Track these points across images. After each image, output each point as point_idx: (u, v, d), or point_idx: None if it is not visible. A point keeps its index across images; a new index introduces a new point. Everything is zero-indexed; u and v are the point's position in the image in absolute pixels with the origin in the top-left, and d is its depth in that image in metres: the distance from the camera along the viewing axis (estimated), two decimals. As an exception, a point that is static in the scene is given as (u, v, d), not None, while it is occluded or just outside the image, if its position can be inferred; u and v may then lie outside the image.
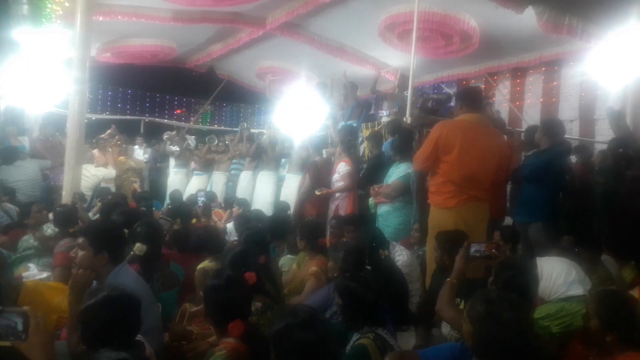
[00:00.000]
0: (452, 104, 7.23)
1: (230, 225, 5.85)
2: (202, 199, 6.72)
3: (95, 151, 7.87)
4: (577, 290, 2.86)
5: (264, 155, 7.75)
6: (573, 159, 6.05)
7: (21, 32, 7.02)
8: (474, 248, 2.90)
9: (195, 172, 8.85)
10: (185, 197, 7.70)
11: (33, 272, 3.79)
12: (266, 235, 3.92)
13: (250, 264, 3.04)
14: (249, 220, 4.85)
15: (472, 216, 3.69)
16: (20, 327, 1.76)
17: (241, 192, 8.00)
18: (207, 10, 7.63)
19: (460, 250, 2.90)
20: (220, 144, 9.22)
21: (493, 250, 2.92)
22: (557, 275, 2.93)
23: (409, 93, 6.15)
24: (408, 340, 3.41)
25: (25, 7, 6.90)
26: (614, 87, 5.97)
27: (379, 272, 3.40)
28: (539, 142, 4.67)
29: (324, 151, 6.39)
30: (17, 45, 7.09)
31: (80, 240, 2.76)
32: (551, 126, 4.68)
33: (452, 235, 3.39)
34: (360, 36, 8.28)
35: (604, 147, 6.51)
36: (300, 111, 7.42)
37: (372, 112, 8.44)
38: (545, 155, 4.51)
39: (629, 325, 2.28)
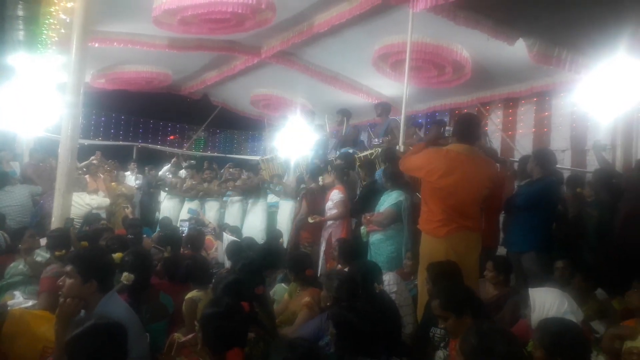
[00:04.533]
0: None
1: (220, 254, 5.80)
2: (185, 228, 6.61)
3: (87, 177, 7.83)
4: (570, 322, 2.84)
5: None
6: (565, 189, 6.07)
7: (17, 58, 7.04)
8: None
9: (186, 198, 8.83)
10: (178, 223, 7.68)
11: (18, 301, 3.72)
12: (262, 265, 3.87)
13: (243, 294, 3.00)
14: (241, 249, 4.80)
15: (462, 246, 3.66)
16: None
17: (231, 219, 7.98)
18: (202, 39, 7.71)
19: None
20: (208, 171, 9.26)
21: None
22: (550, 307, 2.91)
23: (401, 122, 6.18)
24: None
25: (22, 33, 6.94)
26: (604, 119, 6.04)
27: (372, 302, 3.36)
28: (531, 172, 4.70)
29: (320, 178, 6.37)
30: (12, 71, 7.11)
31: (68, 268, 2.71)
32: (543, 156, 4.73)
33: (443, 268, 3.37)
34: (354, 65, 8.37)
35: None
36: (294, 137, 7.52)
37: (361, 139, 8.53)
38: (538, 184, 4.54)
39: (573, 353, 2.28)
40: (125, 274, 3.27)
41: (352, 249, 4.66)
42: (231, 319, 2.42)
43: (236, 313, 2.48)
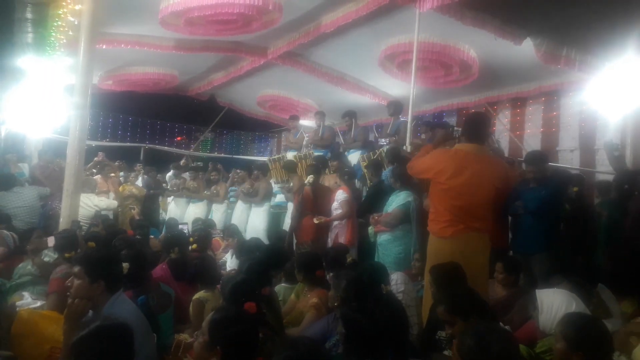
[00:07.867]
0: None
1: (228, 258, 5.79)
2: (185, 232, 6.61)
3: (98, 177, 7.87)
4: (579, 323, 2.81)
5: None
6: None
7: (25, 60, 7.09)
8: None
9: (192, 200, 8.86)
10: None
11: (27, 301, 3.74)
12: (268, 265, 3.86)
13: (251, 294, 2.99)
14: (250, 249, 4.80)
15: (469, 247, 3.60)
16: None
17: (236, 221, 8.01)
18: (209, 40, 7.73)
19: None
20: (214, 172, 9.30)
21: None
22: (558, 308, 2.88)
23: (408, 121, 6.17)
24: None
25: (30, 35, 6.97)
26: (613, 118, 6.00)
27: (380, 304, 3.34)
28: (526, 175, 4.70)
29: (309, 177, 6.25)
30: (21, 74, 7.15)
31: (76, 269, 2.72)
32: (531, 159, 4.75)
33: (446, 271, 3.33)
34: (360, 66, 8.37)
35: (605, 177, 6.52)
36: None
37: (371, 139, 8.50)
38: (549, 188, 4.51)
39: (594, 346, 2.29)
40: None
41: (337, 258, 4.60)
42: (249, 326, 2.37)
43: (249, 319, 2.44)
